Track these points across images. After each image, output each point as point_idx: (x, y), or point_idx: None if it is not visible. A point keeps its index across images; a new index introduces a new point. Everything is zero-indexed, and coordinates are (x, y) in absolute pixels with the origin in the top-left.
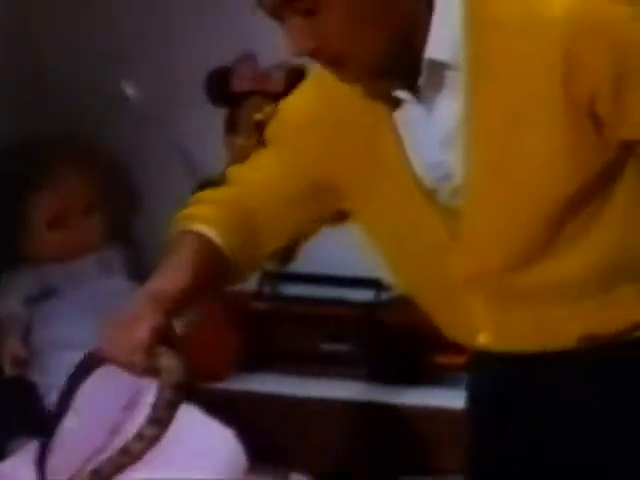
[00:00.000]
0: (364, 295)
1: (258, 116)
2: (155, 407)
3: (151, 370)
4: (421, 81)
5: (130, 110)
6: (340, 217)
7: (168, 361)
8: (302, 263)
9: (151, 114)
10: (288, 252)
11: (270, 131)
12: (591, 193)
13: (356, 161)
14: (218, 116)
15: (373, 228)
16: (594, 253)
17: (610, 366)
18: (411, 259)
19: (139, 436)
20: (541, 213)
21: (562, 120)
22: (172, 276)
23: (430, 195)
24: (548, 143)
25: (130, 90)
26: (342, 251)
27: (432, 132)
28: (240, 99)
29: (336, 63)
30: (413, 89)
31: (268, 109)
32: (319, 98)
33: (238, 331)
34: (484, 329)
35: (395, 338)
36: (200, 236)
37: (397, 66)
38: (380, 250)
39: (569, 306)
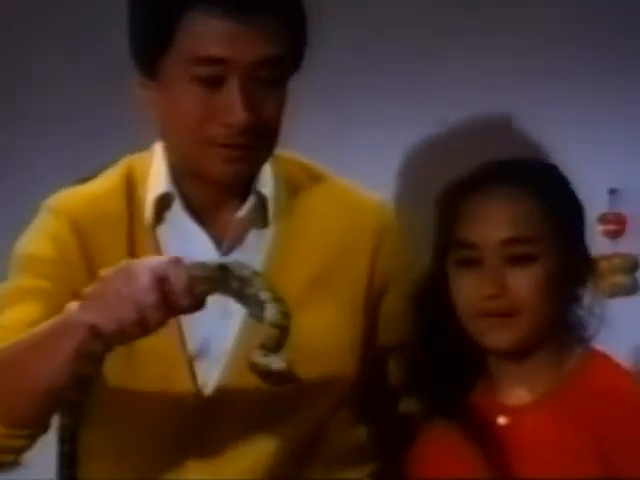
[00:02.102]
0: None
1: None
2: None
3: None
4: (240, 213)
5: None
6: None
7: None
8: None
9: None
10: None
11: (25, 284)
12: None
13: None
14: None
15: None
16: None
17: None
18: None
19: None
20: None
21: (356, 299)
22: None
23: (190, 365)
24: (336, 320)
25: None
26: None
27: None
28: None
29: (257, 135)
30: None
31: None
32: (72, 243)
33: None
34: None
35: None
36: None
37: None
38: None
39: None
